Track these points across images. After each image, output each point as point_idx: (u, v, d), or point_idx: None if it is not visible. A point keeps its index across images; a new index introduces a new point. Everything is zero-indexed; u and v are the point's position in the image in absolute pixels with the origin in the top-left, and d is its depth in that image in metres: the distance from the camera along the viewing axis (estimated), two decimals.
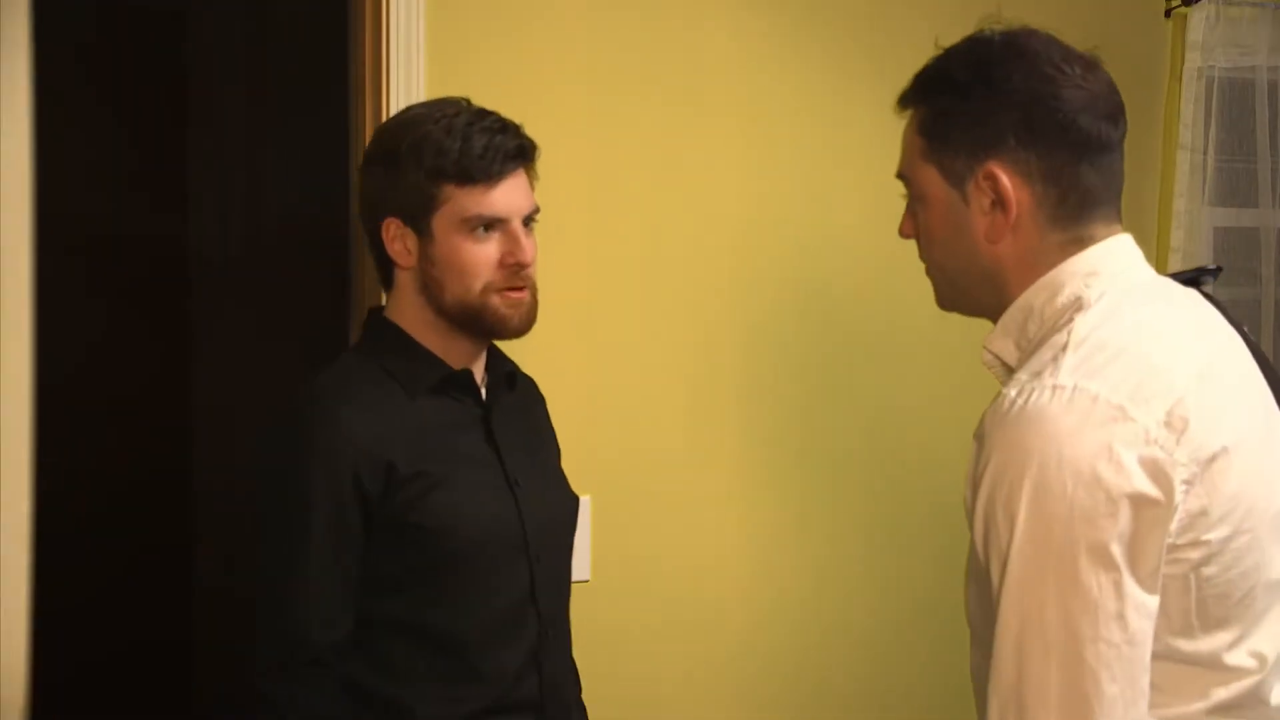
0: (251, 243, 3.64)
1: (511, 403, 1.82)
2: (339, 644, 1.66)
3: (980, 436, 1.25)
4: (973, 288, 1.38)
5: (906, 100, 1.40)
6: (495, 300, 1.69)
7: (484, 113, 1.73)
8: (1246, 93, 2.77)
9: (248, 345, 3.62)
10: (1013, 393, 1.23)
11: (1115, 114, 1.33)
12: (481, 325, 1.71)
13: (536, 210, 1.74)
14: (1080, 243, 1.32)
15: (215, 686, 3.72)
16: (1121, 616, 1.16)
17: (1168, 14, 2.76)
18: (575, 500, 1.89)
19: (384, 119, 2.15)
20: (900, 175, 1.42)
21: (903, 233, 1.44)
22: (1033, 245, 1.33)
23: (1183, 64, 2.74)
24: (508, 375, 1.83)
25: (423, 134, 1.68)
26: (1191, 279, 1.46)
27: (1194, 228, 2.71)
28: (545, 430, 1.93)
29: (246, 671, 1.69)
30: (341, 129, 2.32)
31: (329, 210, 2.59)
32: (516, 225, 1.70)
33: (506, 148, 1.69)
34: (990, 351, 1.39)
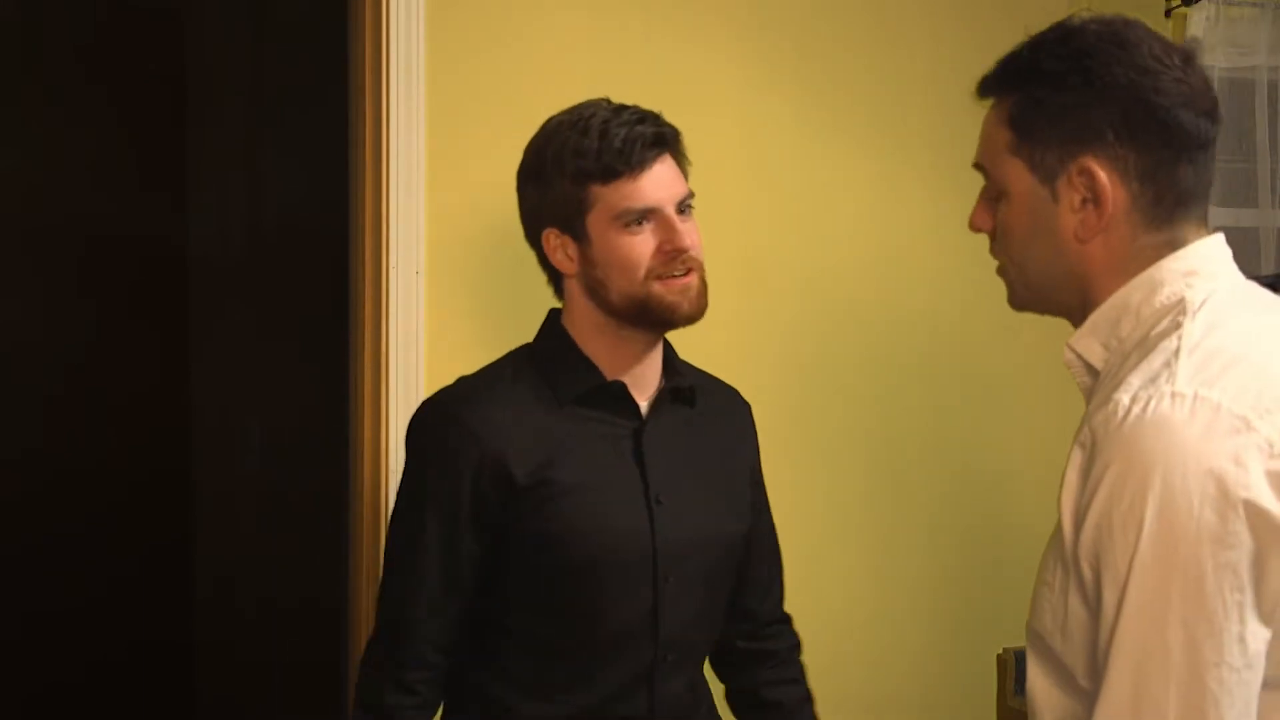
0: (251, 243, 3.64)
1: (683, 418, 1.77)
2: (445, 643, 1.69)
3: (1087, 443, 1.19)
4: (1054, 289, 1.33)
5: (991, 88, 1.34)
6: (658, 288, 1.65)
7: (622, 108, 1.71)
8: (1246, 93, 2.77)
9: (248, 345, 3.62)
10: (1125, 399, 1.17)
11: (1213, 110, 1.28)
12: (650, 316, 1.67)
13: (691, 195, 1.71)
14: (1172, 245, 1.27)
15: (216, 687, 3.72)
16: (1243, 640, 1.11)
17: (1168, 14, 2.76)
18: (743, 523, 1.83)
19: (384, 119, 2.16)
20: (978, 166, 1.36)
21: (975, 226, 1.38)
22: (1124, 246, 1.28)
23: None
24: (683, 390, 1.78)
25: (562, 141, 1.68)
26: (1271, 284, 1.39)
27: None
28: (732, 449, 1.86)
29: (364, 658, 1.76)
30: (341, 129, 2.32)
31: (329, 210, 2.59)
32: (670, 212, 1.66)
33: (645, 136, 1.66)
34: (1074, 351, 1.32)
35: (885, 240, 2.50)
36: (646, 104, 2.35)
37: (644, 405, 1.74)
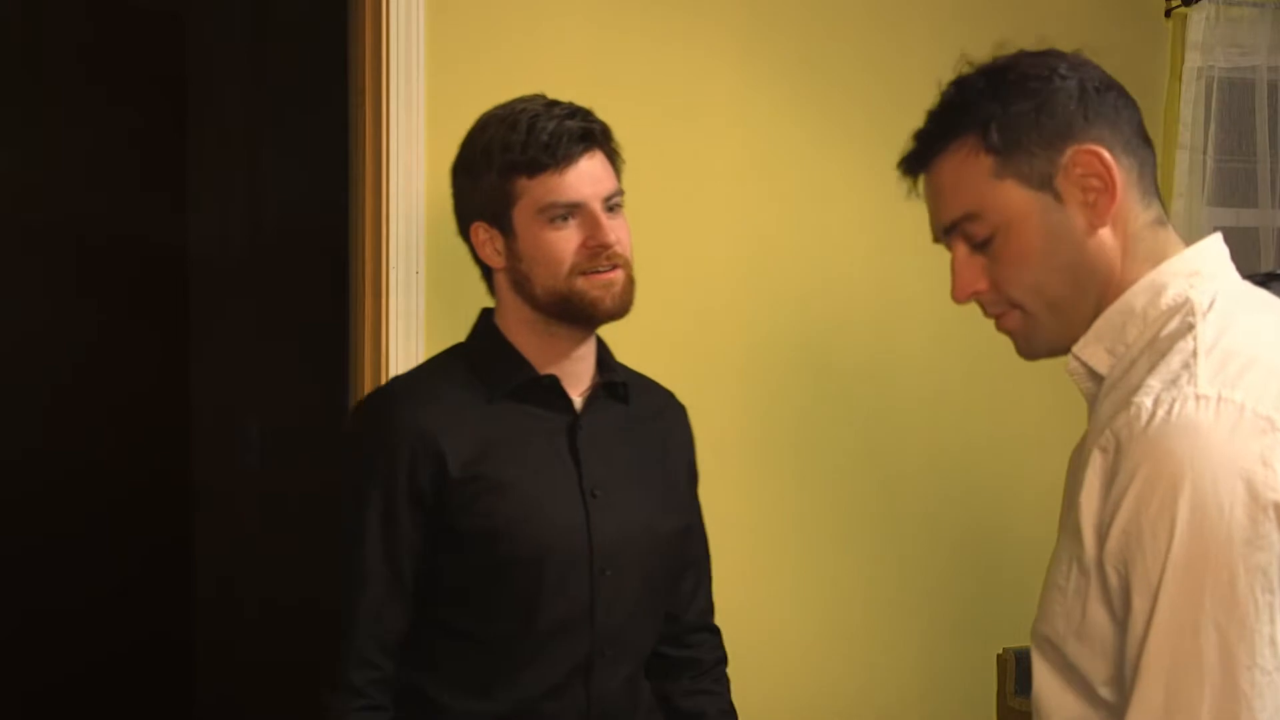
0: (251, 243, 3.63)
1: (618, 416, 1.77)
2: (390, 643, 1.67)
3: (1109, 447, 1.18)
4: (1079, 302, 1.29)
5: (935, 144, 1.31)
6: (582, 284, 1.66)
7: (554, 104, 1.71)
8: (1246, 93, 2.77)
9: (248, 345, 3.62)
10: (1147, 402, 1.17)
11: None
12: (573, 311, 1.67)
13: (619, 192, 1.70)
14: (1162, 223, 1.30)
15: (216, 687, 3.72)
16: (1274, 642, 1.11)
17: (1168, 14, 2.76)
18: (679, 521, 1.83)
19: (384, 119, 2.16)
20: (952, 225, 1.32)
21: (965, 291, 1.33)
22: (1132, 226, 1.28)
23: (1183, 64, 2.75)
24: (617, 385, 1.78)
25: (491, 135, 1.68)
26: (1261, 283, 1.39)
27: (1193, 228, 2.71)
28: (666, 449, 1.85)
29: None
30: (341, 129, 2.32)
31: (329, 210, 2.59)
32: (595, 208, 1.66)
33: (573, 131, 1.66)
34: (1079, 359, 1.31)
35: (885, 240, 2.50)
36: (647, 104, 2.37)
37: (578, 401, 1.74)
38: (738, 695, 2.50)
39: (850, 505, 2.57)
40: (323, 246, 2.89)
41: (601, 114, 2.32)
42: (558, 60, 2.29)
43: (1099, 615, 1.20)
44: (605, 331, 2.34)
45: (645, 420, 1.82)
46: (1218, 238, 1.31)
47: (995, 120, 1.28)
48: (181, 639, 3.72)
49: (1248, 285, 1.32)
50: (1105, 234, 1.27)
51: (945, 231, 1.34)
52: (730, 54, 2.41)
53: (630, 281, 1.69)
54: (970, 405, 2.62)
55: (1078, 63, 1.30)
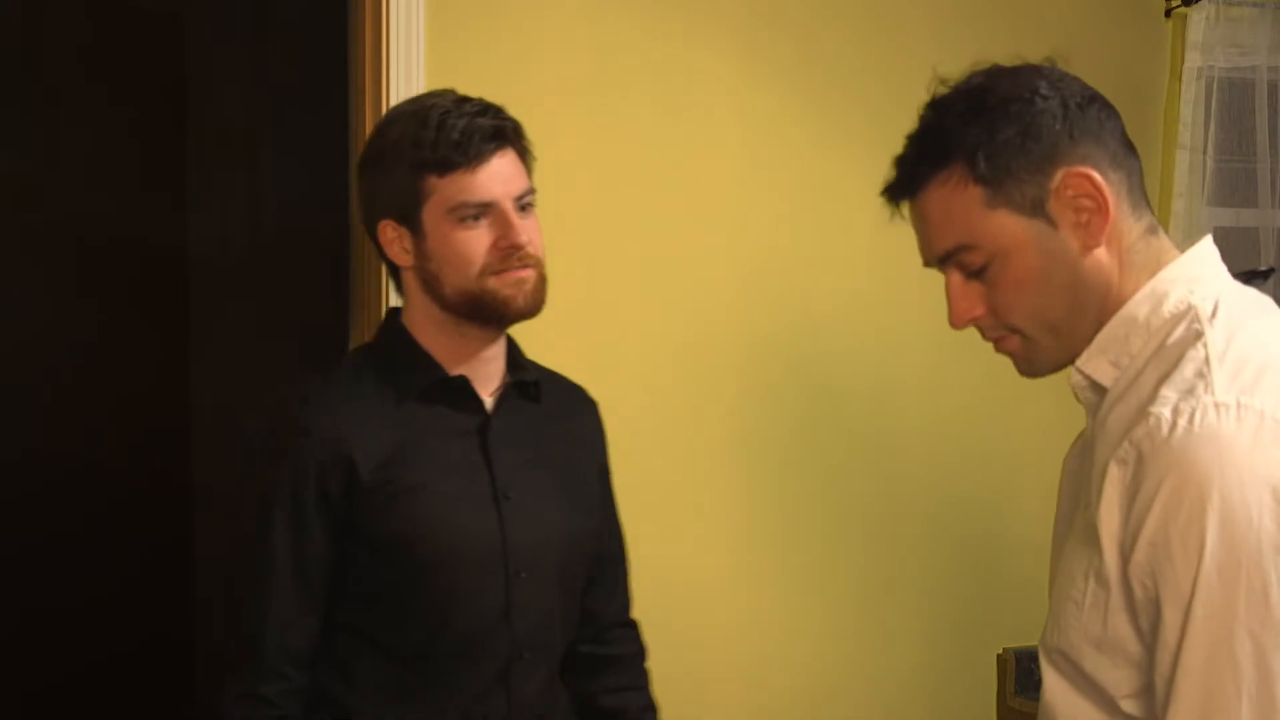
0: (251, 243, 3.64)
1: (529, 415, 1.75)
2: (300, 651, 1.64)
3: (1129, 459, 1.17)
4: (1075, 320, 1.28)
5: (918, 176, 1.30)
6: (493, 283, 1.63)
7: (464, 100, 1.67)
8: (1246, 93, 2.77)
9: (248, 345, 3.62)
10: (1166, 412, 1.16)
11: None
12: (485, 311, 1.65)
13: (531, 191, 1.68)
14: (1154, 231, 1.29)
15: (216, 687, 3.72)
16: None
17: (1168, 14, 2.76)
18: (592, 520, 1.81)
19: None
20: (943, 257, 1.31)
21: (963, 318, 1.32)
22: (1124, 243, 1.26)
23: (1182, 64, 2.74)
24: (528, 385, 1.76)
25: (400, 131, 1.65)
26: (1245, 281, 1.38)
27: (1193, 227, 2.71)
28: (579, 447, 1.84)
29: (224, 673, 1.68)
30: (341, 129, 2.32)
31: (329, 210, 2.59)
32: (507, 207, 1.63)
33: (484, 129, 1.62)
34: (1082, 373, 1.29)
35: (886, 240, 2.49)
36: (647, 103, 2.37)
37: (489, 401, 1.71)
38: (740, 696, 2.51)
39: (851, 506, 2.56)
40: (323, 246, 2.89)
41: (601, 113, 2.35)
42: (557, 60, 2.29)
43: (1121, 628, 1.19)
44: (602, 332, 2.35)
45: (557, 419, 1.79)
46: (1209, 240, 1.31)
47: (982, 149, 1.25)
48: (181, 639, 3.72)
49: (1239, 286, 1.32)
50: (1100, 252, 1.26)
51: (939, 260, 1.33)
52: (730, 54, 2.41)
53: (542, 280, 1.67)
54: (970, 405, 2.62)
55: (1056, 78, 1.28)
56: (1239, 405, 1.14)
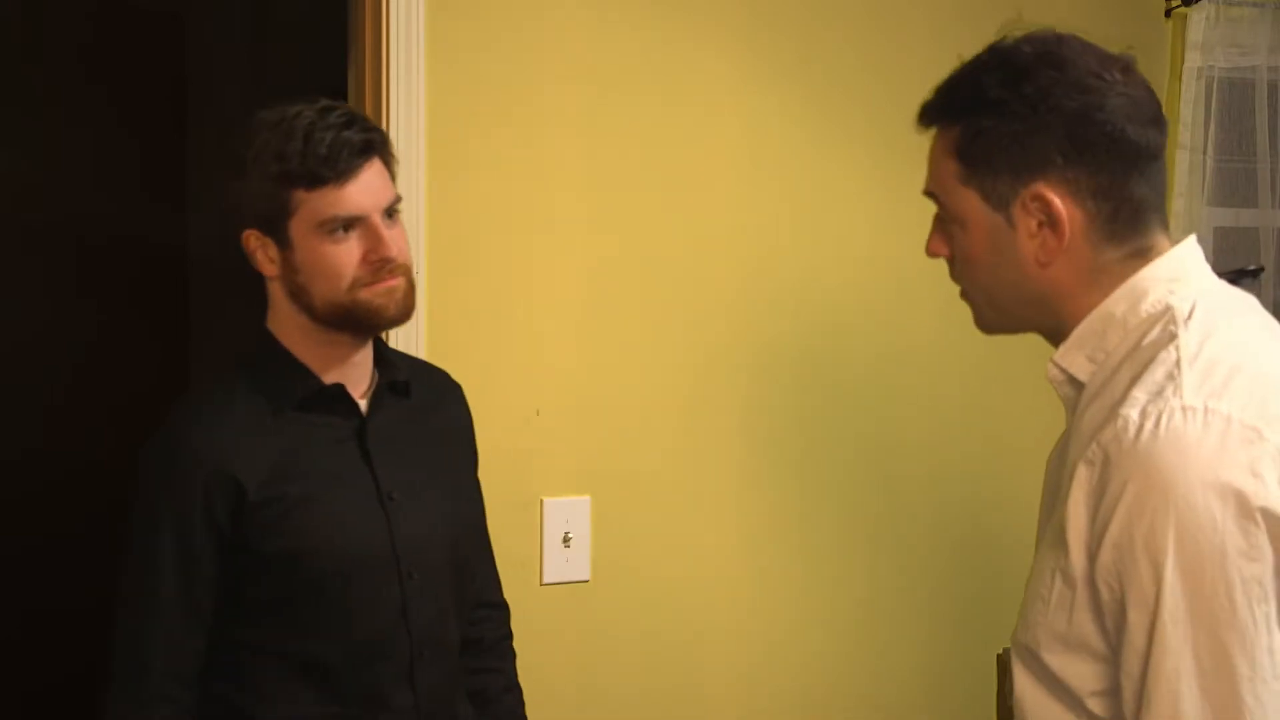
0: None
1: (402, 411, 1.74)
2: (187, 672, 1.63)
3: (1097, 461, 1.18)
4: (1023, 311, 1.32)
5: (933, 117, 1.32)
6: (365, 294, 1.61)
7: (328, 109, 1.65)
8: (1246, 93, 2.77)
9: (248, 345, 3.61)
10: (1134, 414, 1.16)
11: (1159, 118, 1.27)
12: (356, 322, 1.63)
13: (398, 200, 1.66)
14: (1143, 254, 1.27)
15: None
16: (1272, 651, 1.12)
17: (1168, 14, 2.76)
18: (474, 509, 1.82)
19: (384, 119, 2.15)
20: (929, 193, 1.35)
21: (933, 251, 1.37)
22: (1088, 264, 1.26)
23: (1182, 64, 2.74)
24: (400, 384, 1.75)
25: (264, 142, 1.63)
26: (1233, 280, 1.38)
27: (1193, 227, 2.71)
28: (452, 436, 1.84)
29: (101, 698, 1.68)
30: None
31: None
32: (376, 220, 1.61)
33: (353, 143, 1.60)
34: (1058, 366, 1.31)
35: (886, 240, 2.50)
36: (647, 103, 2.36)
37: (362, 403, 1.70)
38: (742, 696, 2.51)
39: (852, 506, 2.56)
40: None
41: (601, 113, 2.35)
42: (557, 60, 2.28)
43: (1085, 625, 1.20)
44: (601, 331, 2.35)
45: (428, 410, 1.79)
46: (1192, 240, 1.31)
47: (974, 132, 1.28)
48: None
49: (1224, 286, 1.32)
50: (1056, 269, 1.27)
51: (926, 193, 1.37)
52: (731, 53, 2.41)
53: (411, 287, 1.66)
54: (972, 405, 2.62)
55: (1116, 89, 1.25)
56: (1206, 409, 1.14)
